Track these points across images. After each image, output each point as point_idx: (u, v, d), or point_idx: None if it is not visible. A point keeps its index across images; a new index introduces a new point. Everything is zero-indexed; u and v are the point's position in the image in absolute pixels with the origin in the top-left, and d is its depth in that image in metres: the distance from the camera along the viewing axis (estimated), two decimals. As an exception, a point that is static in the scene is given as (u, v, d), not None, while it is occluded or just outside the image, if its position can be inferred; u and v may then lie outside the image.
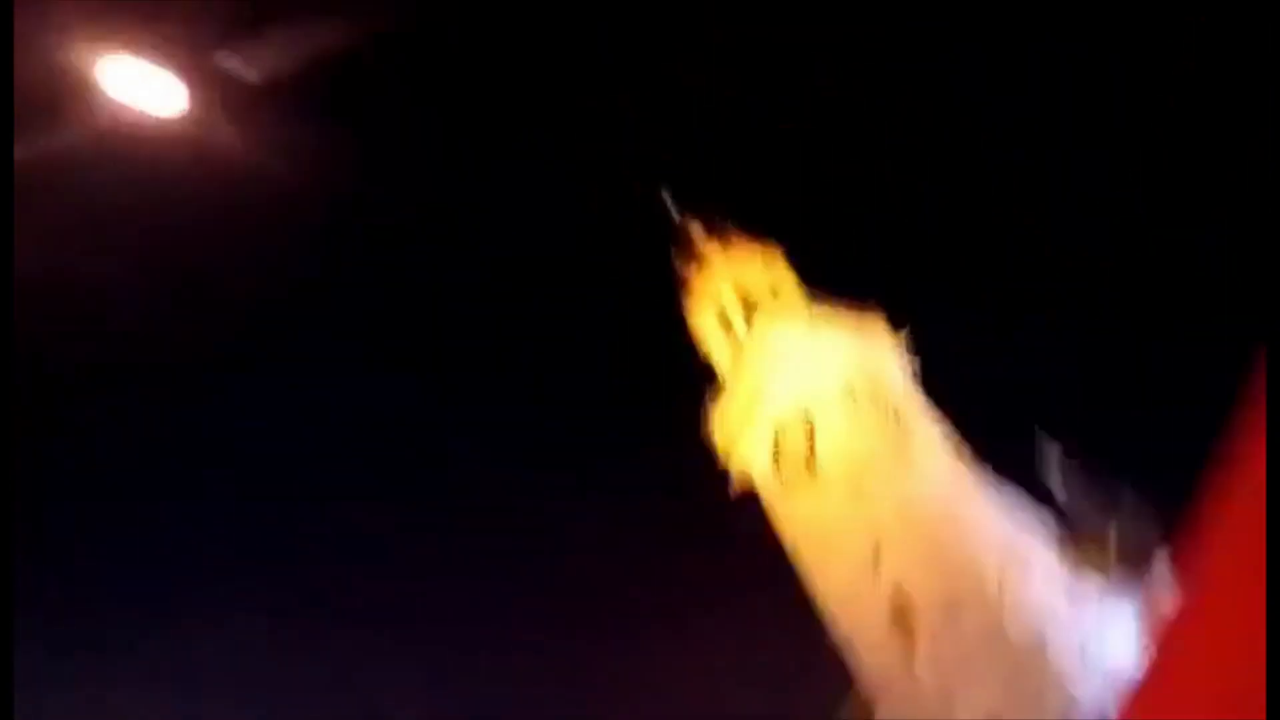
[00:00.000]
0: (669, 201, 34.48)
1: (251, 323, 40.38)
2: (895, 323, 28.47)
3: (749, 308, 28.97)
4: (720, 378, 29.88)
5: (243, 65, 3.05)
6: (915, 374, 27.79)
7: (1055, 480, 24.56)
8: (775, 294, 29.39)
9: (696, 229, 33.10)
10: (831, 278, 29.84)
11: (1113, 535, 23.14)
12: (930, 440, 25.78)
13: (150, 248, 31.17)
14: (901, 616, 23.00)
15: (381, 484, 49.20)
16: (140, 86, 3.19)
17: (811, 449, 26.22)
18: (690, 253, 32.77)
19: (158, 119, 3.14)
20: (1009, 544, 22.97)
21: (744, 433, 28.03)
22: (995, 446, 26.14)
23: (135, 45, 3.05)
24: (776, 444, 27.16)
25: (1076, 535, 23.83)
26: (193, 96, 3.11)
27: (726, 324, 30.36)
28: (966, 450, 25.56)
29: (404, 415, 48.80)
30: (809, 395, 26.93)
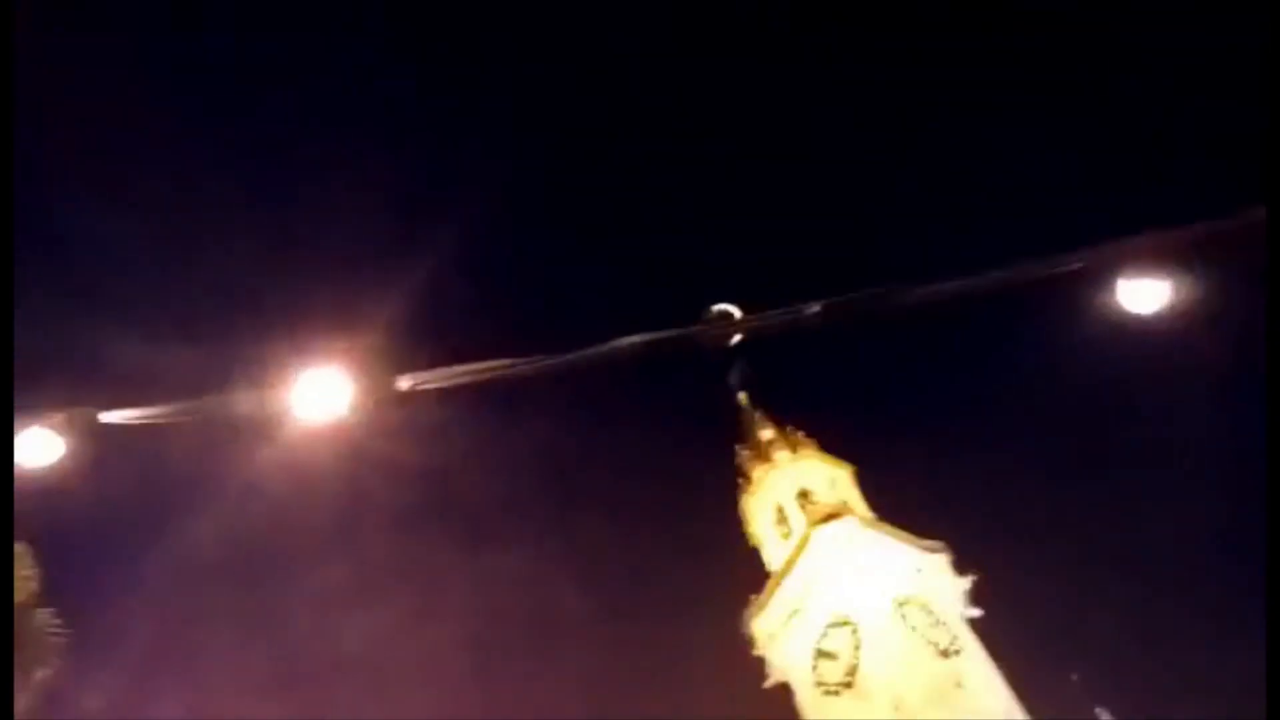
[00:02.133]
0: (744, 400, 35.47)
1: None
2: (961, 568, 28.73)
3: (811, 512, 29.19)
4: (770, 572, 29.92)
5: (412, 382, 3.43)
6: (975, 616, 27.65)
7: None
8: (839, 505, 29.62)
9: (767, 429, 33.96)
10: (900, 510, 30.37)
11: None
12: (981, 675, 25.38)
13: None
14: None
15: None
16: (321, 396, 3.60)
17: (855, 658, 26.02)
18: (757, 449, 33.56)
19: (326, 424, 3.52)
20: None
21: (786, 629, 27.84)
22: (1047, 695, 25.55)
23: (326, 359, 3.47)
24: (820, 647, 26.86)
25: None
26: (355, 405, 3.48)
27: (783, 521, 31.16)
28: (1017, 695, 25.11)
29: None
30: (858, 605, 26.69)
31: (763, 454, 32.76)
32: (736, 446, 33.73)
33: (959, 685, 24.94)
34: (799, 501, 30.49)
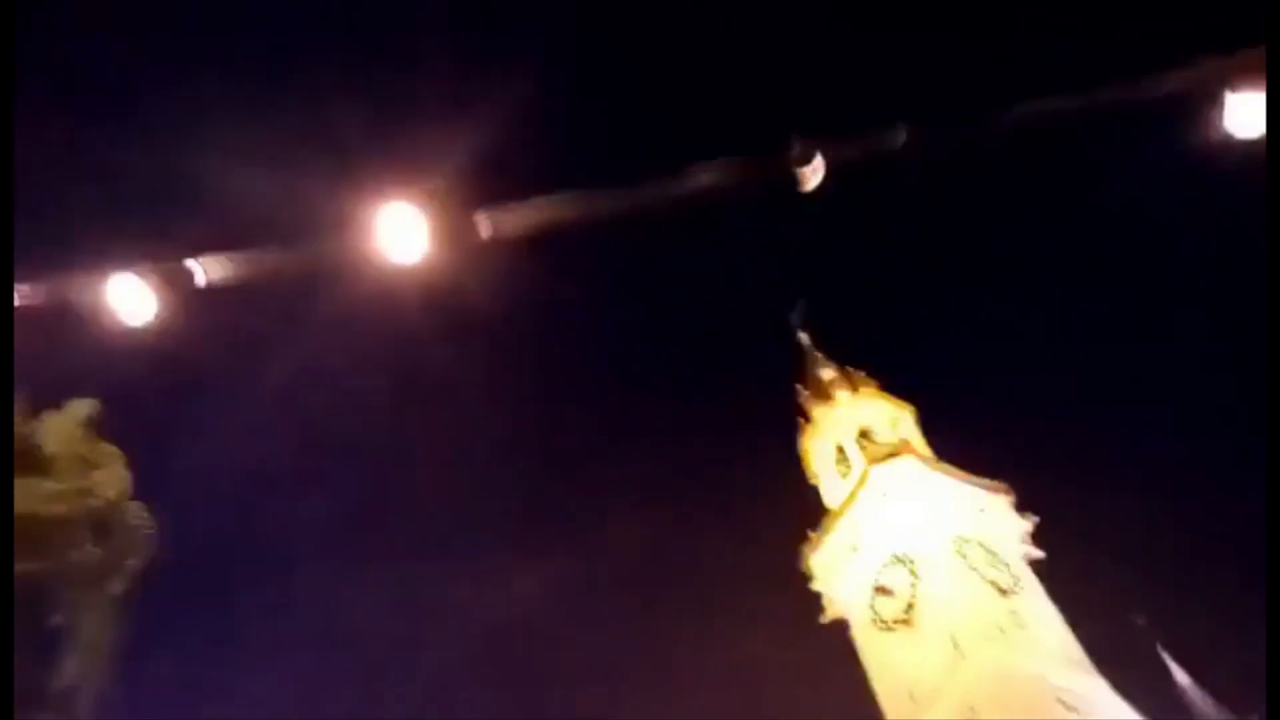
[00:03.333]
0: (805, 340, 35.26)
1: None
2: (1026, 507, 28.48)
3: (871, 451, 29.09)
4: (828, 510, 29.80)
5: (488, 224, 3.37)
6: (1037, 557, 27.47)
7: (1179, 702, 23.67)
8: (900, 444, 29.47)
9: (827, 369, 33.74)
10: (963, 452, 30.07)
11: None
12: (1041, 615, 25.27)
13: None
14: None
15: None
16: (396, 231, 3.56)
17: (913, 595, 26.05)
18: (817, 389, 33.35)
19: (404, 264, 3.49)
20: None
21: (845, 566, 27.88)
22: (1122, 653, 25.29)
23: (402, 194, 3.43)
24: (879, 584, 27.15)
25: None
26: (434, 246, 3.45)
27: (843, 461, 30.51)
28: (1084, 659, 24.89)
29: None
30: (918, 543, 26.52)
31: (823, 393, 32.48)
32: (797, 386, 33.71)
33: (1019, 624, 24.82)
34: (859, 441, 30.38)
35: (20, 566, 5.29)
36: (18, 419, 5.58)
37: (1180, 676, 25.28)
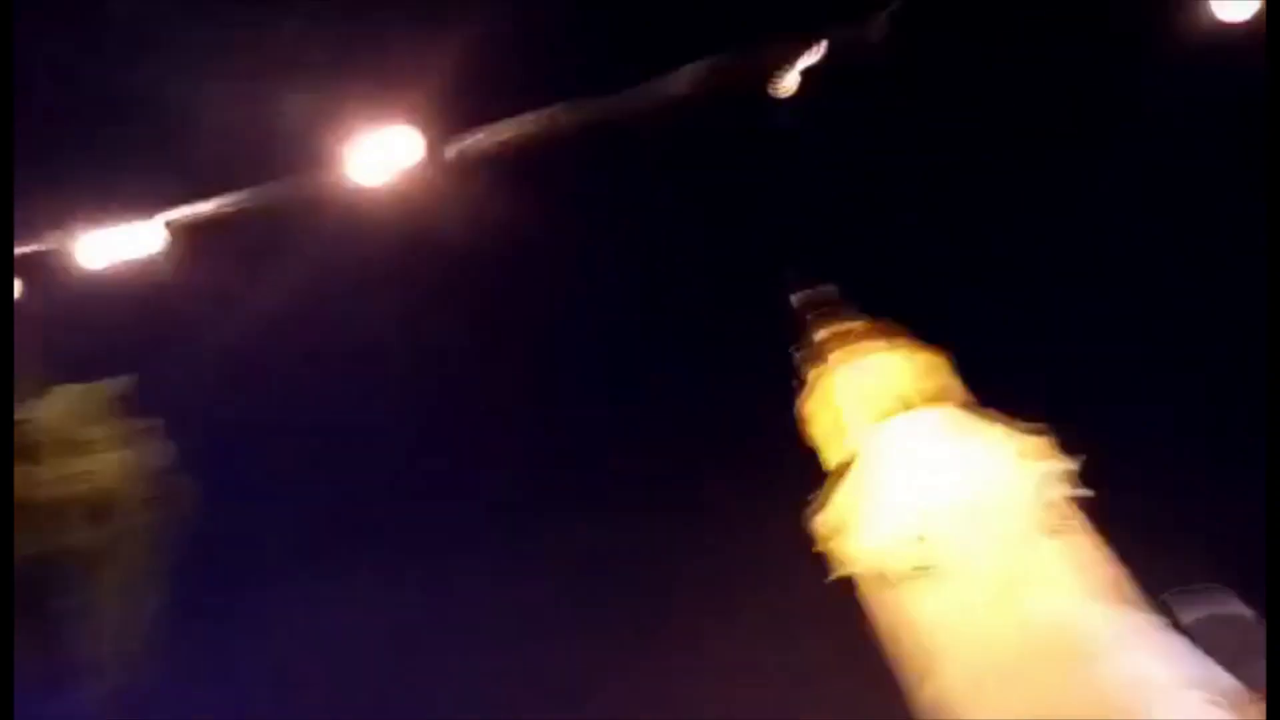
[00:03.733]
0: (796, 301, 34.67)
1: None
2: (1069, 449, 28.02)
3: (894, 401, 28.81)
4: (836, 462, 29.31)
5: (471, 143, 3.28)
6: (1078, 500, 27.09)
7: (1228, 638, 23.38)
8: (932, 394, 29.15)
9: (826, 328, 33.23)
10: (1004, 396, 29.56)
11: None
12: (1090, 553, 25.05)
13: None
14: None
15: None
16: (375, 152, 3.47)
17: (933, 548, 25.87)
18: (814, 350, 33.41)
19: (383, 184, 3.39)
20: (1138, 683, 22.02)
21: (856, 520, 27.45)
22: (1154, 579, 24.94)
23: (377, 116, 3.34)
24: (897, 537, 26.84)
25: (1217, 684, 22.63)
26: (417, 166, 3.36)
27: (855, 413, 29.82)
28: (1138, 595, 24.61)
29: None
30: (940, 496, 26.26)
31: (819, 354, 31.90)
32: (791, 349, 33.27)
33: (1067, 565, 24.57)
34: (868, 394, 29.98)
35: (16, 551, 5.27)
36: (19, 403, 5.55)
37: (1240, 608, 24.86)
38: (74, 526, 5.91)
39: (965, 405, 29.36)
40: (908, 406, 28.77)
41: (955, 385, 30.91)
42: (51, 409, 5.79)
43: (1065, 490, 27.46)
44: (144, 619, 6.46)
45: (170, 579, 6.47)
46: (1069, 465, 27.93)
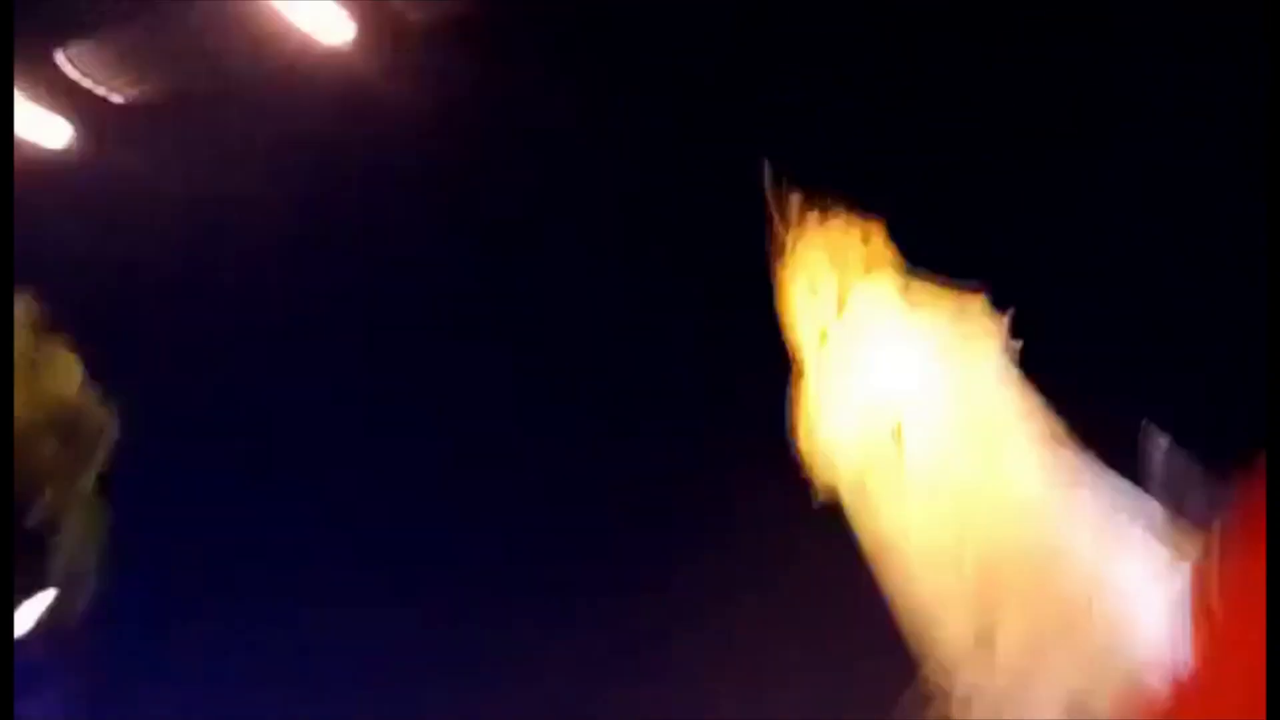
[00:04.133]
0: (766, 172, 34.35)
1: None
2: (999, 303, 28.34)
3: (843, 288, 28.64)
4: (803, 367, 29.41)
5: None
6: (1017, 357, 27.64)
7: (1160, 470, 24.17)
8: (872, 272, 29.12)
9: (793, 201, 32.91)
10: (933, 255, 29.52)
11: (1216, 527, 22.72)
12: (1030, 434, 25.63)
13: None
14: (987, 631, 22.92)
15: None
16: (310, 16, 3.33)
17: (901, 446, 25.96)
18: (784, 227, 32.52)
19: (322, 49, 3.26)
20: (1105, 544, 22.88)
21: (826, 425, 27.61)
22: (1102, 430, 25.65)
23: None
24: (863, 439, 26.68)
25: (1178, 524, 23.53)
26: (358, 29, 3.23)
27: (817, 306, 30.02)
28: (1070, 436, 25.37)
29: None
30: (899, 387, 26.35)
31: (789, 221, 32.08)
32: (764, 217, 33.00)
33: (1007, 455, 25.20)
34: (833, 281, 29.98)
35: None
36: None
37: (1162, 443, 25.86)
38: (46, 446, 5.84)
39: (910, 269, 29.47)
40: (867, 272, 28.60)
41: (888, 253, 31.09)
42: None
43: (1004, 345, 28.10)
44: (104, 539, 6.47)
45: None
46: (1004, 320, 28.56)
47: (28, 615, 5.74)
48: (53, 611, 6.12)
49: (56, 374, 6.26)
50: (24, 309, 6.43)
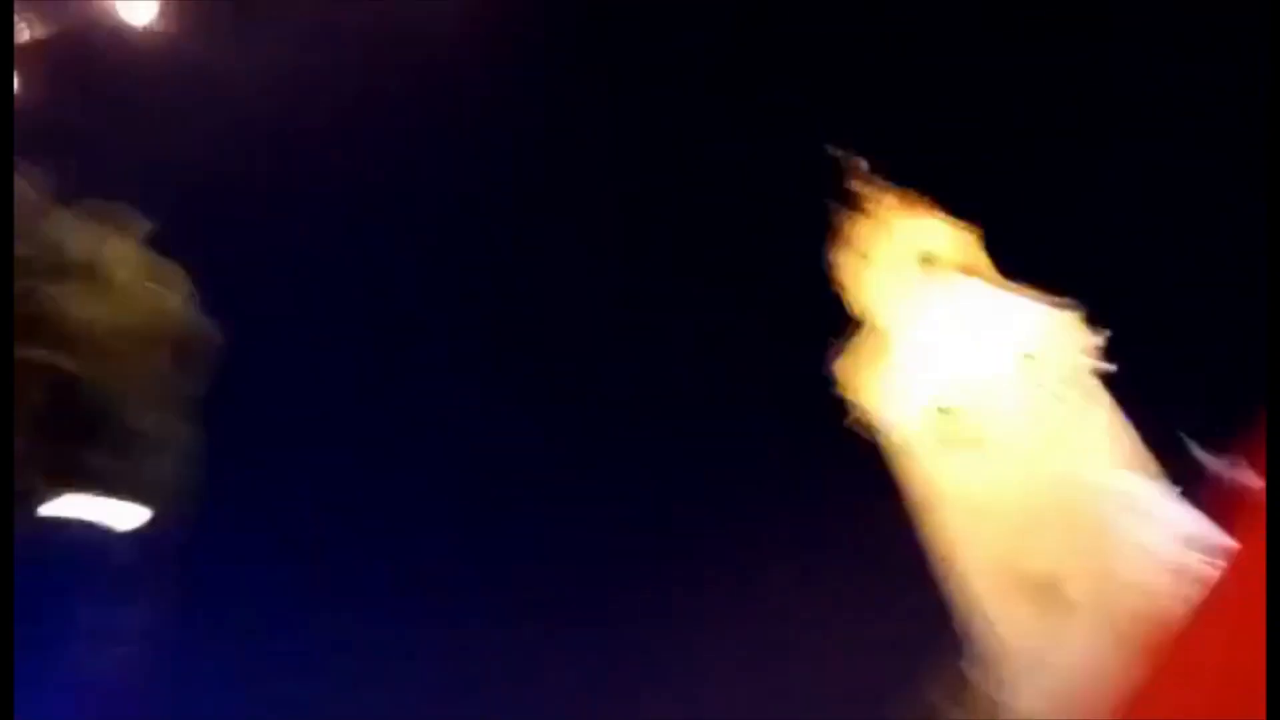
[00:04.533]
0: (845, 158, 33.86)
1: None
2: (1093, 321, 28.18)
3: (929, 263, 28.80)
4: (866, 324, 28.95)
5: None
6: (1101, 369, 27.44)
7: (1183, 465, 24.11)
8: (959, 258, 29.18)
9: (872, 186, 32.67)
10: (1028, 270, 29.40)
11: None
12: (1106, 430, 25.61)
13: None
14: (1046, 594, 22.84)
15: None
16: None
17: (971, 413, 26.22)
18: (860, 207, 31.85)
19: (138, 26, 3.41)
20: (1173, 542, 22.73)
21: (885, 380, 27.59)
22: (1172, 450, 25.37)
23: None
24: (935, 402, 26.86)
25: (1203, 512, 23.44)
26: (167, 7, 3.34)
27: (896, 274, 29.27)
28: (1142, 447, 25.20)
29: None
30: (975, 359, 26.68)
31: (867, 211, 30.36)
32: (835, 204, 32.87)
33: (1087, 440, 25.00)
34: (915, 261, 29.94)
35: (111, 372, 5.47)
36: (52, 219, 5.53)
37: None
38: (159, 359, 6.13)
39: (1003, 278, 29.35)
40: (960, 273, 28.70)
41: (984, 260, 30.80)
42: (119, 247, 5.93)
43: (1092, 364, 27.73)
44: (198, 447, 6.73)
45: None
46: (1094, 338, 28.15)
47: (126, 517, 6.08)
48: (149, 520, 6.46)
49: (169, 289, 6.57)
50: (135, 225, 6.76)
